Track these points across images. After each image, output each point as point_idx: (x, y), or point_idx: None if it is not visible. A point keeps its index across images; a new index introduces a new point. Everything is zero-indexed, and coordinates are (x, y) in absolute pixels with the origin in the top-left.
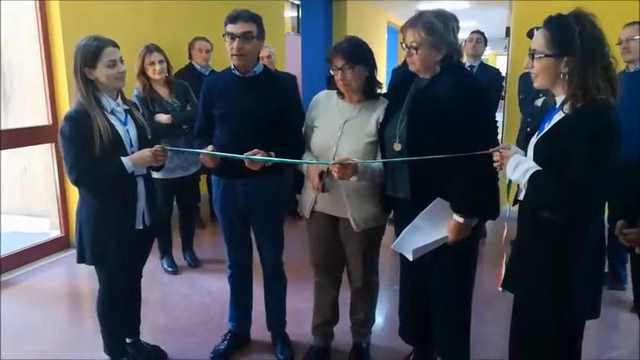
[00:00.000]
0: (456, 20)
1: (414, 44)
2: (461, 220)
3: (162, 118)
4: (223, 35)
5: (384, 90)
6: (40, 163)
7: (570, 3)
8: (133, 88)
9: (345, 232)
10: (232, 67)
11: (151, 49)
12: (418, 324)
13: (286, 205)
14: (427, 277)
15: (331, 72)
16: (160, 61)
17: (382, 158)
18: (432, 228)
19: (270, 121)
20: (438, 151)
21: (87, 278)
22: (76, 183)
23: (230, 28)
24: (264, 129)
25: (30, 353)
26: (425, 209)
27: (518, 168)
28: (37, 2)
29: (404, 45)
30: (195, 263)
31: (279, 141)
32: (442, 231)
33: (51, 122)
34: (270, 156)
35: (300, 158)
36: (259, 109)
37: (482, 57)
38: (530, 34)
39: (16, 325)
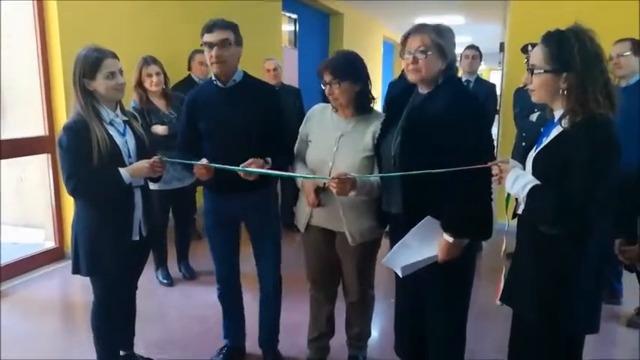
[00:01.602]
0: (454, 35)
1: (421, 48)
2: (450, 239)
3: (159, 129)
4: (201, 45)
5: (379, 104)
6: (37, 173)
7: (565, 18)
8: (130, 100)
9: (341, 246)
10: (213, 78)
11: (148, 61)
12: (413, 339)
13: (280, 217)
14: (422, 291)
15: (322, 86)
16: (157, 73)
17: (379, 173)
18: (421, 246)
19: (256, 131)
20: (433, 167)
21: (81, 289)
22: (72, 193)
23: (207, 37)
24: (251, 140)
25: None
26: (415, 227)
27: (517, 182)
28: (36, 13)
29: (408, 53)
30: (190, 275)
31: (268, 151)
32: (432, 249)
33: (47, 133)
34: (267, 162)
35: (290, 167)
36: (243, 120)
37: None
38: (525, 50)
39: (10, 335)
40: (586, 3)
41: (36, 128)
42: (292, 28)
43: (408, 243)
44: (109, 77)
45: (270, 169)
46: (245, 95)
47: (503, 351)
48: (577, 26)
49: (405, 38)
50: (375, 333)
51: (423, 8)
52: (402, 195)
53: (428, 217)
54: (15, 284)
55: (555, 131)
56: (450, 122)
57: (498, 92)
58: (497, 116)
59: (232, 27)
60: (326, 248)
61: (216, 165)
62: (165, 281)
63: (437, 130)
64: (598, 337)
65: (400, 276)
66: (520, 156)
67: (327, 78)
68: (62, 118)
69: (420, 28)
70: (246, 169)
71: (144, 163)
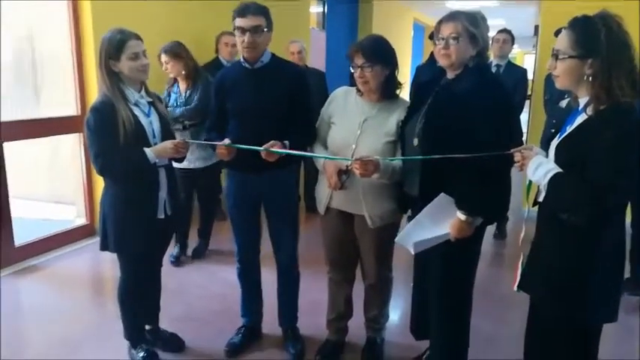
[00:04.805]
0: (487, 23)
1: (453, 35)
2: (463, 217)
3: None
4: (233, 29)
5: (405, 91)
6: (68, 151)
7: (598, 3)
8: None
9: (360, 228)
10: (242, 60)
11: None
12: (427, 321)
13: (302, 199)
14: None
15: (351, 69)
16: (166, 62)
17: (402, 156)
18: (434, 224)
19: (282, 112)
20: (454, 151)
21: (111, 265)
22: (100, 172)
23: (239, 22)
24: (276, 120)
25: (52, 335)
26: (429, 205)
27: (539, 169)
28: None
29: (440, 38)
30: (198, 256)
31: (293, 132)
32: (445, 227)
33: (80, 113)
34: (285, 145)
35: (309, 149)
36: (271, 100)
37: (510, 55)
38: (558, 34)
39: (42, 308)
40: None
41: (69, 107)
42: (320, 9)
43: (421, 221)
44: (132, 58)
45: (291, 149)
46: (273, 76)
47: (522, 337)
48: (604, 12)
49: (439, 24)
50: (393, 316)
51: None
52: (419, 177)
53: (442, 194)
54: (47, 259)
55: (580, 119)
56: (473, 107)
57: (530, 77)
58: (527, 102)
59: (265, 12)
60: (345, 231)
61: (238, 145)
62: (172, 259)
63: (459, 113)
64: (621, 328)
65: (412, 253)
66: (548, 143)
67: (359, 61)
68: (94, 98)
69: (454, 15)
70: (268, 149)
71: (168, 144)
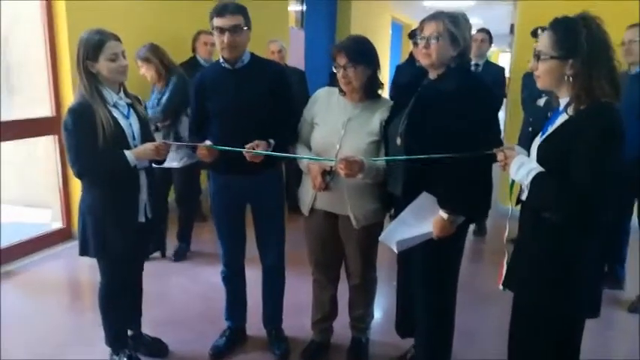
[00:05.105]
0: (469, 24)
1: (434, 34)
2: (446, 216)
3: None
4: (212, 29)
5: (385, 90)
6: (42, 153)
7: (575, 2)
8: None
9: (345, 229)
10: (221, 60)
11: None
12: (411, 319)
13: (285, 199)
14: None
15: (334, 69)
16: (140, 66)
17: (386, 156)
18: (418, 222)
19: (265, 112)
20: (437, 150)
21: (88, 270)
22: (78, 175)
23: (218, 22)
24: (259, 120)
25: (30, 343)
26: (412, 203)
27: (521, 168)
28: None
29: (421, 38)
30: (179, 259)
31: (275, 131)
32: (428, 226)
33: (54, 114)
34: (270, 144)
35: (291, 149)
36: (253, 100)
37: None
38: (535, 34)
39: (18, 315)
40: None
41: (43, 109)
42: (299, 8)
43: (404, 219)
44: (111, 59)
45: (275, 149)
46: (254, 76)
47: (504, 334)
48: (585, 13)
49: (422, 23)
50: (377, 315)
51: None
52: (403, 177)
53: (424, 193)
54: (23, 264)
55: (561, 119)
56: (455, 107)
57: (507, 75)
58: (504, 100)
59: (243, 11)
60: (329, 231)
61: (220, 147)
62: None
63: (442, 113)
64: (599, 322)
65: (395, 251)
66: (526, 141)
67: (342, 61)
68: (69, 99)
69: (436, 16)
70: (252, 150)
71: (149, 146)
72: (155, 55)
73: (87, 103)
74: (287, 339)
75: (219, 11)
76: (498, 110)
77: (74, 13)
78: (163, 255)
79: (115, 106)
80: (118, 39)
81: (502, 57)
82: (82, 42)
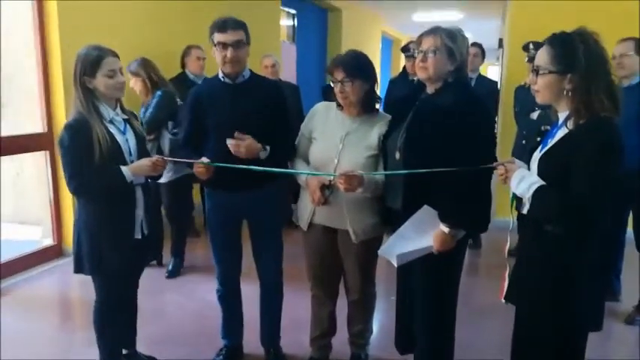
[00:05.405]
0: (467, 40)
1: (432, 48)
2: (446, 230)
3: None
4: (214, 45)
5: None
6: (33, 170)
7: (565, 16)
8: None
9: (344, 244)
10: (221, 75)
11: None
12: (411, 334)
13: (285, 215)
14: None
15: (331, 84)
16: (130, 79)
17: (385, 170)
18: (418, 236)
19: (263, 127)
20: (436, 164)
21: (80, 287)
22: (75, 192)
23: (220, 37)
24: (257, 136)
25: None
26: (412, 217)
27: (522, 182)
28: (35, 10)
29: (420, 51)
30: (173, 275)
31: (273, 147)
32: (428, 240)
33: (46, 130)
34: (265, 149)
35: (289, 164)
36: (253, 116)
37: None
38: (526, 48)
39: (9, 334)
40: (585, 2)
41: (35, 125)
42: (291, 22)
43: (404, 233)
44: (109, 76)
45: (273, 164)
46: (253, 92)
47: (504, 348)
48: (582, 29)
49: (420, 38)
50: (376, 330)
51: (422, 3)
52: (402, 191)
53: (425, 206)
54: (14, 282)
55: (560, 133)
56: (454, 121)
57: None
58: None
59: (243, 26)
60: (328, 246)
61: (217, 163)
62: None
63: (441, 128)
64: (597, 335)
65: (395, 265)
66: (520, 154)
67: (339, 76)
68: (61, 115)
69: (434, 30)
70: (249, 167)
71: (146, 162)
72: (144, 69)
73: (83, 119)
74: (285, 357)
75: (221, 27)
76: (495, 124)
77: (66, 27)
78: (160, 263)
79: (111, 121)
80: (115, 55)
81: (490, 70)
82: (79, 58)
